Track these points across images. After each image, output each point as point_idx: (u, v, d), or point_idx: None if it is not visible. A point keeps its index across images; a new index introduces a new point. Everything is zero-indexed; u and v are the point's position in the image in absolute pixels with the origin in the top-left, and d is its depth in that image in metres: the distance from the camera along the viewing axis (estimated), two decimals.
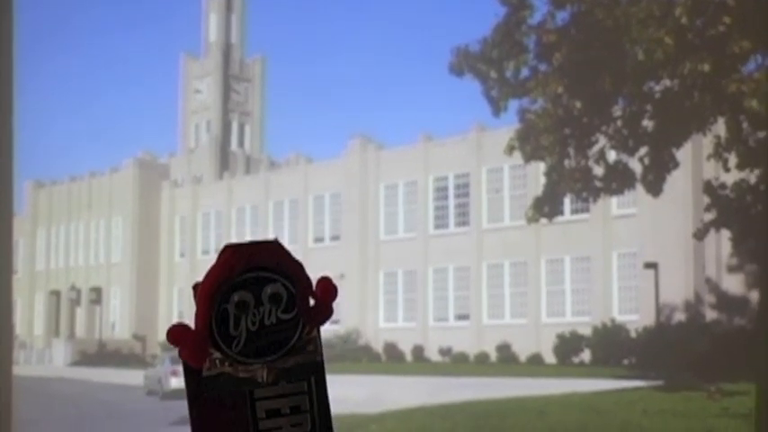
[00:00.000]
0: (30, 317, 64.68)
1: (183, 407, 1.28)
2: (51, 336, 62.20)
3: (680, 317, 34.85)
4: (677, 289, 34.89)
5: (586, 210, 37.30)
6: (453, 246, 44.80)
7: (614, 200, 34.60)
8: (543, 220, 23.83)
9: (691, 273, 35.14)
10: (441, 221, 46.25)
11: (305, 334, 1.22)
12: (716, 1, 17.30)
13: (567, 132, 20.19)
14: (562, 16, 19.56)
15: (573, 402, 21.29)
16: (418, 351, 44.16)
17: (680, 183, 30.36)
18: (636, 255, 37.30)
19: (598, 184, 21.05)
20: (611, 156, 21.17)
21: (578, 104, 19.42)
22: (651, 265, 34.55)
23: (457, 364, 40.70)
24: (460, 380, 31.61)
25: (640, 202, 33.36)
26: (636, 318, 36.54)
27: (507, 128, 25.84)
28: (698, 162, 32.29)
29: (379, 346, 45.54)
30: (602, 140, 20.45)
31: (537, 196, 22.61)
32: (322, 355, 1.25)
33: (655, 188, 20.56)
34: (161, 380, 30.76)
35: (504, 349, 41.09)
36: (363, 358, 44.24)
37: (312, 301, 1.21)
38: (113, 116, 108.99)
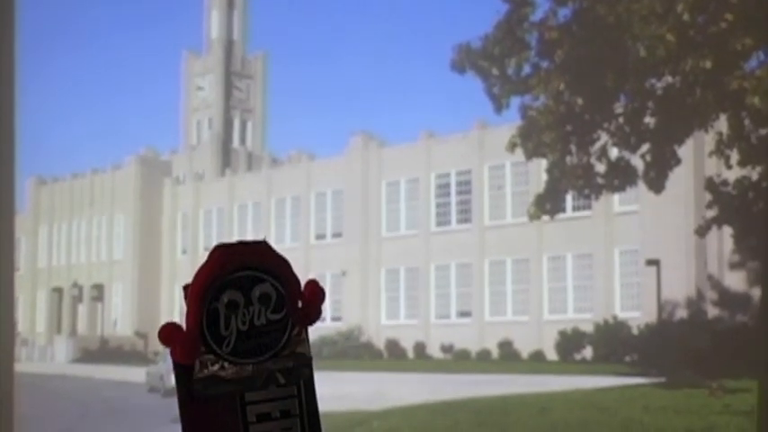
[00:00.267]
0: (32, 314, 64.76)
1: None
2: (53, 333, 62.25)
3: (682, 314, 34.83)
4: (679, 286, 34.87)
5: (588, 207, 37.27)
6: (455, 243, 44.80)
7: (616, 197, 34.56)
8: (545, 217, 23.83)
9: (692, 270, 35.13)
10: (443, 218, 46.25)
11: (294, 335, 1.22)
12: None
13: (569, 129, 20.18)
14: (564, 13, 19.58)
15: (575, 399, 21.29)
16: (420, 348, 44.17)
17: (682, 180, 30.33)
18: (638, 252, 37.28)
19: (600, 181, 21.05)
20: (613, 153, 21.15)
21: (580, 101, 19.43)
22: (653, 262, 34.54)
23: (459, 360, 40.70)
24: (462, 377, 31.62)
25: (642, 198, 33.32)
26: (638, 314, 36.53)
27: (509, 125, 25.81)
28: (700, 159, 32.25)
29: (380, 343, 45.54)
30: (603, 137, 20.44)
31: (539, 193, 22.60)
32: (311, 357, 1.24)
33: (657, 185, 20.55)
34: (163, 377, 30.78)
35: (506, 346, 41.08)
36: (365, 355, 44.24)
37: (300, 303, 1.21)
38: (115, 113, 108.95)
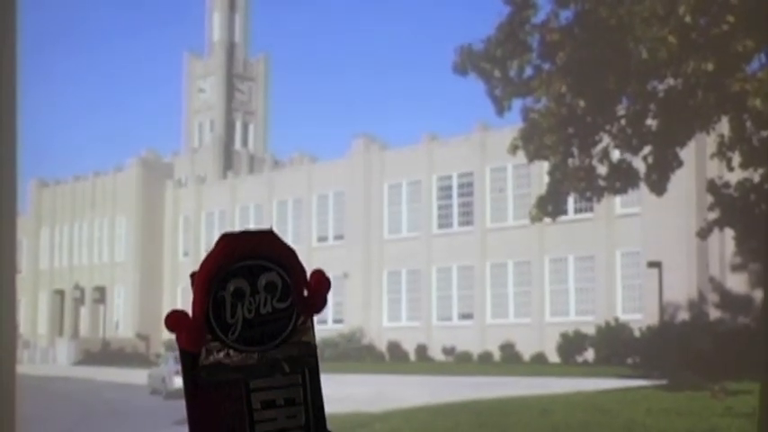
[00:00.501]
0: (33, 316, 64.75)
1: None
2: (55, 335, 62.24)
3: (683, 316, 34.80)
4: (681, 288, 34.83)
5: (590, 209, 37.27)
6: (457, 245, 44.78)
7: (618, 199, 34.55)
8: (547, 220, 23.82)
9: (694, 272, 35.09)
10: (444, 221, 46.24)
11: (299, 324, 1.22)
12: (719, 0, 17.30)
13: (571, 131, 20.17)
14: (566, 15, 19.57)
15: (576, 401, 21.28)
16: (422, 350, 44.15)
17: (684, 182, 30.31)
18: (639, 254, 37.24)
19: (602, 183, 21.04)
20: (615, 155, 21.14)
21: (582, 103, 19.41)
22: (655, 264, 34.49)
23: (460, 363, 40.69)
24: (464, 379, 31.60)
25: (644, 201, 33.28)
26: (639, 317, 36.50)
27: (511, 127, 25.81)
28: (701, 161, 32.23)
29: (382, 346, 45.52)
30: (605, 139, 20.43)
31: (540, 195, 22.59)
32: (316, 346, 1.25)
33: (658, 187, 20.53)
34: (165, 379, 30.77)
35: (508, 348, 41.06)
36: (367, 357, 44.24)
37: (306, 292, 1.22)
38: (117, 116, 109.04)
